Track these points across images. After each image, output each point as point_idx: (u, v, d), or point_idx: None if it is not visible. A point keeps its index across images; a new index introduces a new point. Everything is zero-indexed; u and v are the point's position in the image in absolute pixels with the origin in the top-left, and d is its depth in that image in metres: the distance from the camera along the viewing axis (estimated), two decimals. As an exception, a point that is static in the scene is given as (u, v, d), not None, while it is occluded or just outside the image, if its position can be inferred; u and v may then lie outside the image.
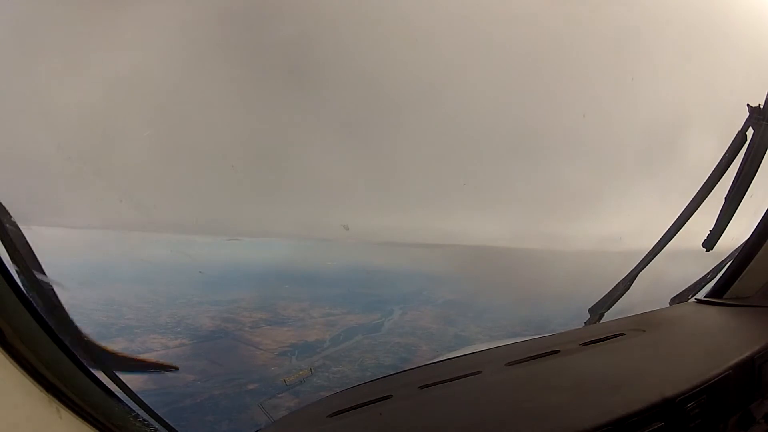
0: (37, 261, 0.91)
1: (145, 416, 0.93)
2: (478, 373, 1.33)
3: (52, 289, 0.90)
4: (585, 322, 1.94)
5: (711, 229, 1.78)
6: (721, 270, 1.89)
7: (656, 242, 1.86)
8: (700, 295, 1.95)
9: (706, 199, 1.76)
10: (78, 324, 0.90)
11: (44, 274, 0.90)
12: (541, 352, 1.42)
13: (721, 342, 1.54)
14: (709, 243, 1.78)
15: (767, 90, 1.63)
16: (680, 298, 1.98)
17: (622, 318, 1.79)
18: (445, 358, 1.69)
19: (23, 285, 0.78)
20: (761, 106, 1.64)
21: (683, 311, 1.87)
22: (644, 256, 1.87)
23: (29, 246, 0.90)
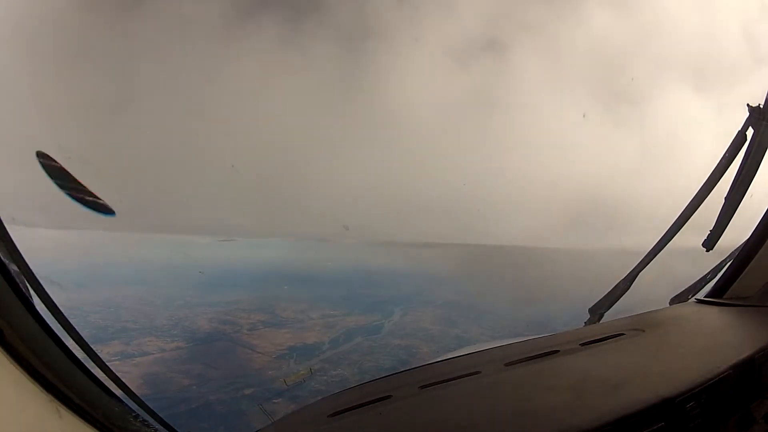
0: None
1: (145, 416, 0.93)
2: (477, 373, 1.33)
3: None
4: (585, 322, 1.94)
5: (711, 229, 1.78)
6: (721, 270, 1.89)
7: (656, 242, 1.86)
8: (700, 295, 1.95)
9: (706, 199, 1.76)
10: (76, 326, 0.90)
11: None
12: (541, 352, 1.42)
13: (721, 342, 1.54)
14: (709, 243, 1.78)
15: (767, 90, 1.63)
16: (680, 298, 1.98)
17: (622, 318, 1.79)
18: (444, 358, 1.69)
19: (23, 285, 0.78)
20: (761, 106, 1.64)
21: (683, 311, 1.87)
22: (644, 256, 1.87)
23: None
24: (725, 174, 1.73)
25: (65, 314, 0.89)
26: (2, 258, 0.72)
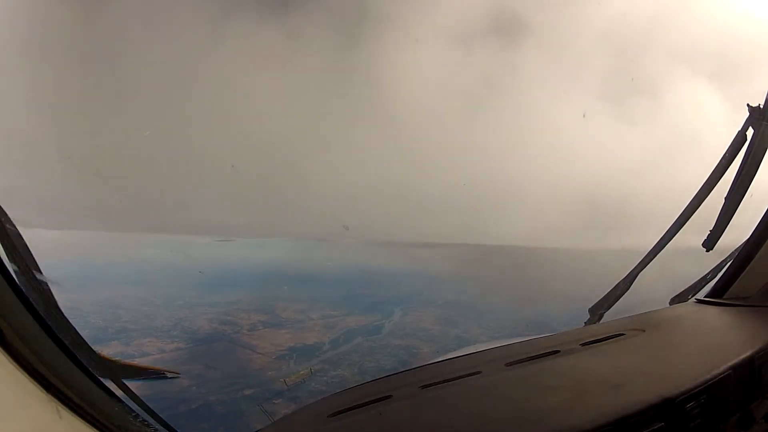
0: (37, 261, 0.91)
1: (146, 416, 0.93)
2: (477, 373, 1.33)
3: (52, 290, 0.90)
4: (585, 322, 1.94)
5: (711, 229, 1.78)
6: (721, 270, 1.89)
7: (656, 242, 1.86)
8: (700, 295, 1.95)
9: (706, 199, 1.76)
10: (76, 326, 0.90)
11: (43, 274, 0.90)
12: (541, 352, 1.42)
13: (721, 342, 1.54)
14: (709, 243, 1.78)
15: (767, 90, 1.63)
16: (680, 298, 1.98)
17: (622, 318, 1.79)
18: (444, 358, 1.69)
19: (23, 285, 0.78)
20: (761, 106, 1.65)
21: (683, 311, 1.87)
22: (644, 256, 1.87)
23: (29, 246, 0.90)
24: (725, 174, 1.73)
25: (65, 314, 0.89)
26: (2, 258, 0.72)
